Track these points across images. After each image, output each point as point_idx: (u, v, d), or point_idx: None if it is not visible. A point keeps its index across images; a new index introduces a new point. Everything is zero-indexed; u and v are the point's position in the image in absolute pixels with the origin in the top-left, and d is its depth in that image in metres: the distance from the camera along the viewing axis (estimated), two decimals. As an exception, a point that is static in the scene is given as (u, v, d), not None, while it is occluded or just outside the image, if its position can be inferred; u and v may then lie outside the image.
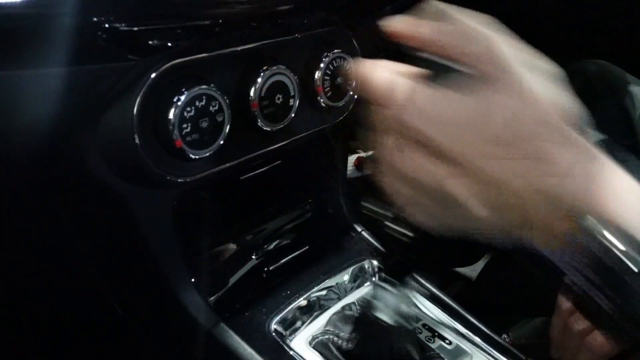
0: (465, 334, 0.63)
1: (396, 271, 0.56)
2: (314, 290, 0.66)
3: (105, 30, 0.44)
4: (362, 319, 0.57)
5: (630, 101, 0.93)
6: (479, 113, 0.35)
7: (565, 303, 0.66)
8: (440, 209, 0.38)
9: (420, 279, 0.69)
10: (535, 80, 0.36)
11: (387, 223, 0.98)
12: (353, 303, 0.63)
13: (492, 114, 0.35)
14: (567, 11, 0.94)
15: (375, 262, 0.69)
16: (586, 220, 0.34)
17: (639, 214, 0.34)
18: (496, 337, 0.64)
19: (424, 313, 0.65)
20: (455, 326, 0.64)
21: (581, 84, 0.97)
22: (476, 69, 0.36)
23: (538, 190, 0.35)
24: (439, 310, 0.66)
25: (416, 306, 0.65)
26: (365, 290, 0.67)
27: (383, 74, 0.37)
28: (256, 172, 0.63)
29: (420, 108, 0.35)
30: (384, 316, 0.57)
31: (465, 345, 0.61)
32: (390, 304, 0.65)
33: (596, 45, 1.00)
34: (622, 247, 0.34)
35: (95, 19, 0.43)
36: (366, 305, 0.56)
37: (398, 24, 0.37)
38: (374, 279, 0.69)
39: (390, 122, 0.37)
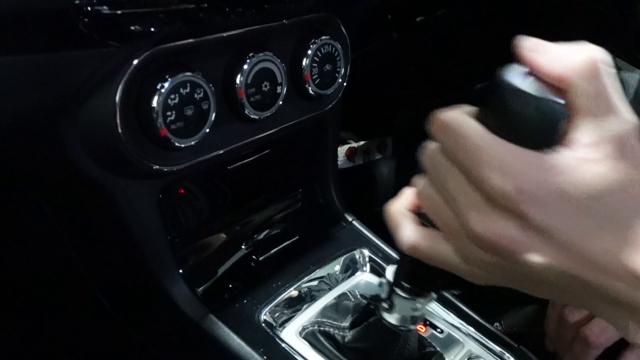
0: (457, 323, 0.63)
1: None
2: (304, 280, 0.65)
3: (87, 14, 0.43)
4: (354, 309, 0.56)
5: (622, 87, 0.93)
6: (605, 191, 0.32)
7: None
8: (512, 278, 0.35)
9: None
10: None
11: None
12: (344, 293, 0.62)
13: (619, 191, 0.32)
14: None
15: (366, 252, 0.69)
16: None
17: None
18: (488, 325, 0.64)
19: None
20: (447, 315, 0.64)
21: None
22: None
23: None
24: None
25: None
26: (356, 280, 0.66)
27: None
28: (244, 161, 0.61)
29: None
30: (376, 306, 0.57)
31: (456, 334, 0.61)
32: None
33: (586, 32, 1.00)
34: None
35: (77, 2, 0.42)
36: (358, 296, 0.56)
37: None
38: (365, 269, 0.68)
39: None
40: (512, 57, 0.35)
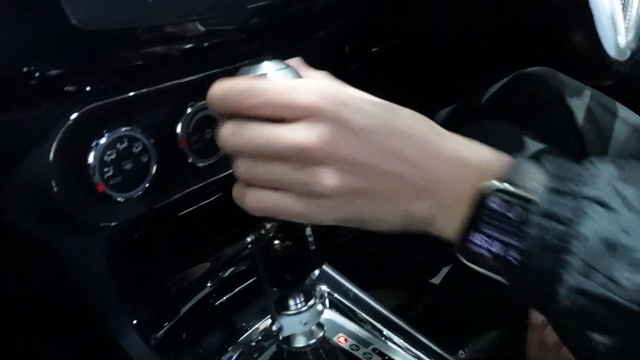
0: (418, 356, 0.63)
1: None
2: (265, 319, 0.65)
3: (31, 79, 0.43)
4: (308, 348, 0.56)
5: (576, 107, 0.95)
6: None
7: (537, 318, 0.66)
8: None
9: (370, 300, 0.69)
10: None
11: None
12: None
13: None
14: (500, 22, 0.95)
15: (324, 287, 0.69)
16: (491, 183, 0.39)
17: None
18: (448, 357, 0.64)
19: (375, 337, 0.64)
20: (407, 348, 0.64)
21: (527, 92, 0.99)
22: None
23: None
24: (391, 333, 0.66)
25: (367, 330, 0.65)
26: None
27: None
28: (196, 206, 0.61)
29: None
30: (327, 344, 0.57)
31: (416, 367, 0.61)
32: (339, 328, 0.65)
33: (539, 53, 1.02)
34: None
35: (25, 70, 0.42)
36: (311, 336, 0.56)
37: None
38: (325, 304, 0.68)
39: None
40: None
